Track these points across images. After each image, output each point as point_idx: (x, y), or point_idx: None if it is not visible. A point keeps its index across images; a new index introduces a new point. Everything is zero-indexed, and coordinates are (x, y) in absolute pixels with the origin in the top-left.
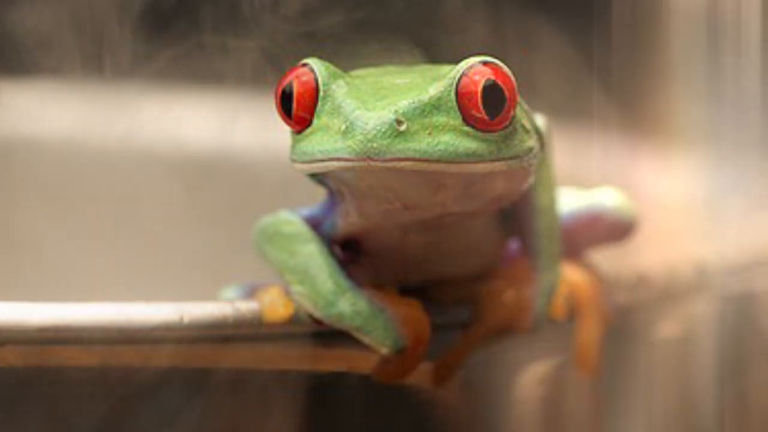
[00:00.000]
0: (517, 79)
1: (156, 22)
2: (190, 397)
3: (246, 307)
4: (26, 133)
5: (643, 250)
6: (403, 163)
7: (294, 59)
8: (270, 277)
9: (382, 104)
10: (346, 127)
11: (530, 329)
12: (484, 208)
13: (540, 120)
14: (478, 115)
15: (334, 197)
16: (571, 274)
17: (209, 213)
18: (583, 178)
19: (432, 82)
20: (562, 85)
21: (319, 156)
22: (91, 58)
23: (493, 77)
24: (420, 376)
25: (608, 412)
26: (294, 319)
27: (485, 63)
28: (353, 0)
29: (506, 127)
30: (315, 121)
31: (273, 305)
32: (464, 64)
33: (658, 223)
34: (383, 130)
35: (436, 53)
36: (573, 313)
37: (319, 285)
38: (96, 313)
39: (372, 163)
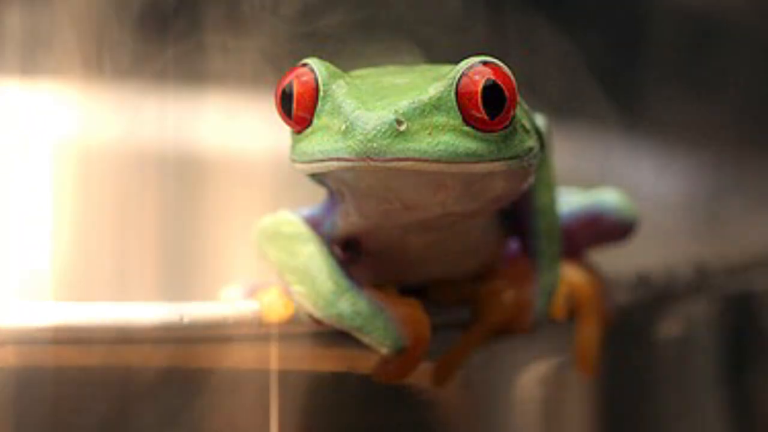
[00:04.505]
0: (517, 79)
1: (156, 22)
2: (190, 397)
3: (246, 307)
4: (26, 133)
5: (643, 250)
6: (403, 163)
7: (294, 59)
8: (270, 277)
9: (382, 104)
10: (346, 127)
11: (530, 329)
12: (484, 208)
13: (540, 120)
14: (478, 115)
15: (334, 197)
16: (571, 274)
17: (209, 213)
18: (583, 178)
19: (432, 82)
20: (562, 85)
21: (319, 156)
22: (91, 58)
23: (493, 77)
24: (420, 376)
25: (608, 412)
26: (294, 319)
27: (485, 63)
28: (353, 0)
29: (506, 127)
30: (315, 121)
31: (273, 305)
32: (464, 64)
33: (658, 223)
34: (383, 130)
35: (436, 53)
36: (573, 313)
37: (319, 285)
38: (96, 313)
39: (372, 163)
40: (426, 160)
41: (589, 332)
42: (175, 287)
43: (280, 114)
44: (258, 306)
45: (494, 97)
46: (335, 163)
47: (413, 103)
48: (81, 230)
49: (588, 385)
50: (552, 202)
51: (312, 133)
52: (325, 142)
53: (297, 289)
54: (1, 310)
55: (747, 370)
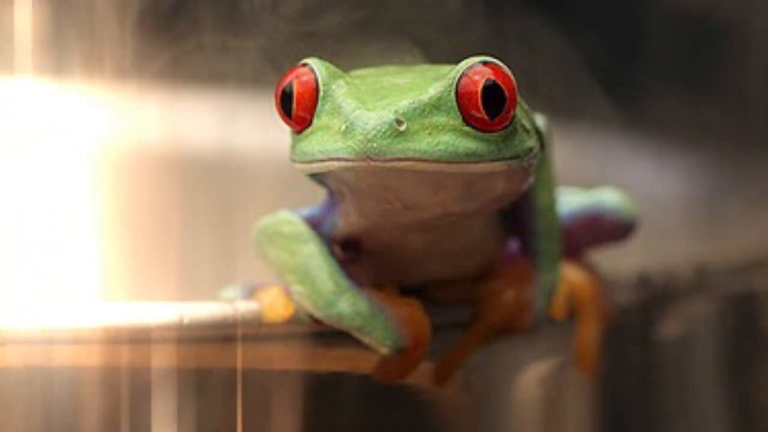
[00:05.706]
0: (517, 79)
1: (156, 22)
2: (190, 397)
3: (246, 307)
4: (26, 133)
5: (643, 250)
6: (403, 163)
7: (294, 59)
8: (270, 277)
9: (382, 104)
10: (346, 127)
11: (530, 329)
12: (484, 208)
13: (540, 120)
14: (478, 115)
15: (334, 197)
16: (571, 274)
17: (209, 213)
18: (583, 178)
19: (432, 82)
20: (562, 85)
21: (319, 156)
22: (91, 58)
23: (493, 77)
24: (420, 376)
25: (608, 412)
26: (294, 319)
27: (485, 63)
28: (353, 0)
29: (506, 127)
30: (315, 121)
31: (273, 305)
32: (464, 64)
33: (658, 223)
34: (383, 130)
35: (436, 53)
36: (573, 313)
37: (319, 285)
38: (96, 313)
39: (372, 163)
40: (426, 160)
41: (589, 332)
42: (175, 287)
43: (280, 114)
44: (258, 306)
45: (494, 97)
46: (335, 163)
47: (413, 103)
48: (78, 231)
49: (588, 385)
50: (552, 202)
51: (312, 133)
52: (325, 142)
53: (297, 289)
54: (2, 310)
55: (747, 370)
